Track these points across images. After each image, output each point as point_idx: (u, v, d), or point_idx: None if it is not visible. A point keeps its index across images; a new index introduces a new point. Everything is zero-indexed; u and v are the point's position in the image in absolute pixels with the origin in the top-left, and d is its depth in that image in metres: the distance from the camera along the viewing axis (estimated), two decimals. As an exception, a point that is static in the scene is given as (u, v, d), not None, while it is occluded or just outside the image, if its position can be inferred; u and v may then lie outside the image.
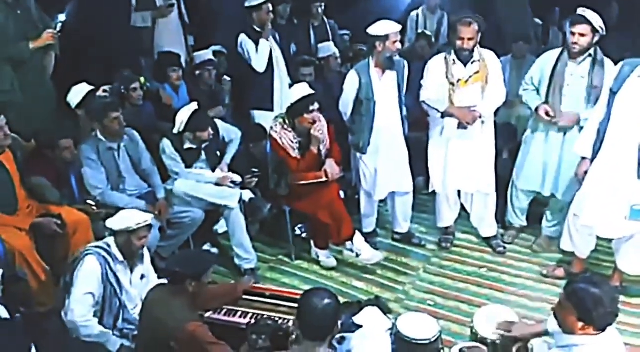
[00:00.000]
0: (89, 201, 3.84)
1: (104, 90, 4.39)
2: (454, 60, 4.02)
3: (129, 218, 3.10)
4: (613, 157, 3.54)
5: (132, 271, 3.24)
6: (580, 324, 2.29)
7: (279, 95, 4.96)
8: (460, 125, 4.07)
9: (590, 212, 3.64)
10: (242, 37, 4.81)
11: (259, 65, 4.82)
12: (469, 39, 3.92)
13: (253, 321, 3.18)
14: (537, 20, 6.31)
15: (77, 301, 3.04)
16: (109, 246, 3.14)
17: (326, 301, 2.35)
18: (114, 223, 3.12)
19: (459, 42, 3.95)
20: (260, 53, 4.81)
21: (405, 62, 4.26)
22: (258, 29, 4.82)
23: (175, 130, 4.05)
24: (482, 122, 4.10)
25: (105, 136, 3.91)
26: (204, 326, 2.75)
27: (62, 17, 4.21)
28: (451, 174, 4.25)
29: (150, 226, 3.16)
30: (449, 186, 4.30)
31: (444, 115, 4.09)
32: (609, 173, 3.55)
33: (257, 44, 4.80)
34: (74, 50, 4.58)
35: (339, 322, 2.40)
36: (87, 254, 3.10)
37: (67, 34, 4.28)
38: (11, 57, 4.05)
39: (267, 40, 4.83)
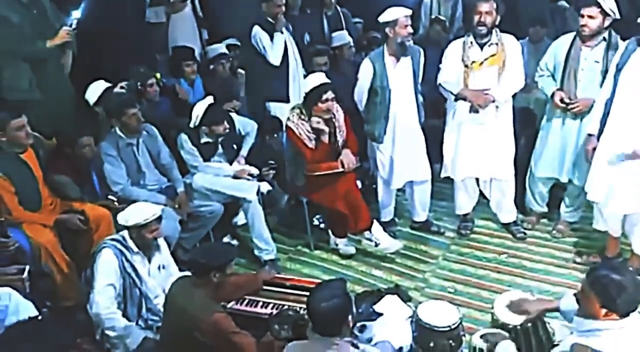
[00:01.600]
0: (110, 197, 3.90)
1: (121, 87, 4.43)
2: (471, 42, 4.00)
3: (137, 213, 3.16)
4: (618, 132, 3.55)
5: (149, 261, 3.30)
6: (604, 311, 2.29)
7: (294, 86, 4.96)
8: (472, 109, 4.04)
9: (597, 188, 3.66)
10: (256, 29, 4.81)
11: (274, 58, 4.82)
12: (487, 13, 3.89)
13: (274, 311, 3.23)
14: (564, 3, 6.14)
15: (99, 293, 3.12)
16: (124, 238, 3.21)
17: (330, 301, 2.36)
18: (123, 219, 3.18)
19: (476, 17, 3.91)
20: (275, 46, 4.81)
21: (421, 50, 4.23)
22: (271, 21, 4.82)
23: (191, 124, 4.09)
24: (497, 107, 4.06)
25: (124, 132, 3.96)
26: (228, 316, 2.79)
27: (76, 14, 4.23)
28: (463, 160, 4.22)
29: (160, 218, 3.21)
30: (460, 171, 4.27)
31: (457, 98, 4.06)
32: (614, 148, 3.55)
33: (271, 36, 4.81)
34: (90, 48, 4.62)
35: (349, 318, 2.41)
36: (103, 247, 3.19)
37: (82, 32, 4.31)
38: (29, 57, 4.11)
39: (282, 33, 4.83)
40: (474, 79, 4.01)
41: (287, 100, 4.90)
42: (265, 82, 5.02)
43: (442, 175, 4.46)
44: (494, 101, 4.01)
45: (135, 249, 3.22)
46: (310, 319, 2.46)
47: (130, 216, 3.17)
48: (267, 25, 4.81)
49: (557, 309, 2.75)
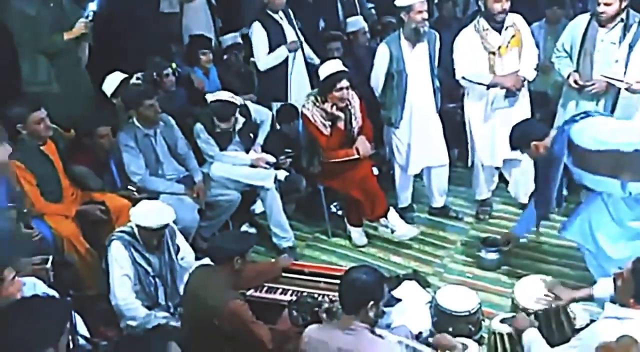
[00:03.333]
0: (130, 187, 3.94)
1: (137, 78, 4.45)
2: (485, 28, 3.94)
3: (146, 216, 3.15)
4: (629, 109, 3.56)
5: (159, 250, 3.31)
6: (632, 301, 2.29)
7: (297, 84, 4.92)
8: (509, 93, 4.01)
9: None
10: (254, 26, 4.76)
11: (262, 65, 4.81)
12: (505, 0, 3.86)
13: (293, 297, 3.25)
14: None
15: (116, 285, 3.16)
16: (132, 228, 3.23)
17: (361, 275, 2.43)
18: (132, 213, 3.20)
19: (496, 5, 3.86)
20: (271, 57, 4.78)
21: (437, 34, 4.19)
22: (273, 15, 4.75)
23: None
24: (523, 87, 4.05)
25: (142, 123, 3.98)
26: (245, 304, 2.82)
27: (92, 6, 4.25)
28: (500, 144, 4.16)
29: (166, 226, 3.21)
30: (499, 157, 4.22)
31: (489, 86, 4.02)
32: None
33: (269, 37, 4.73)
34: (107, 39, 4.65)
35: (371, 303, 2.41)
36: (112, 240, 3.22)
37: (98, 23, 4.34)
38: (46, 50, 4.15)
39: (290, 51, 4.78)
40: (501, 64, 3.98)
41: (286, 100, 4.89)
42: (265, 80, 4.99)
43: (476, 164, 4.37)
44: (524, 80, 4.00)
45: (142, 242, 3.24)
46: (338, 293, 2.49)
47: (138, 215, 3.17)
48: (268, 22, 4.74)
49: (590, 298, 2.71)
